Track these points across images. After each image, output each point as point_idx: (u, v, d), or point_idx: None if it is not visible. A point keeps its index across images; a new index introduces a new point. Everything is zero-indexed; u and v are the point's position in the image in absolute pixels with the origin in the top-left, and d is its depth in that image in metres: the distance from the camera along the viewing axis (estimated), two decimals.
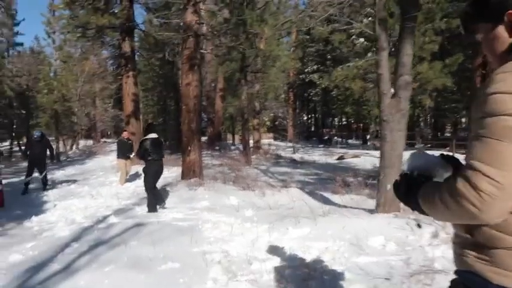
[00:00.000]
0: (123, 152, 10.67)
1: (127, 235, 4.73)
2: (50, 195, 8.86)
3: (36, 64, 27.23)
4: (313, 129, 47.77)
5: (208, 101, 27.31)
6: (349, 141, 36.79)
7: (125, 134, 11.48)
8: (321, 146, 34.54)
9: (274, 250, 3.84)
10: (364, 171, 12.49)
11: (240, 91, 15.77)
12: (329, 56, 32.59)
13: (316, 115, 47.54)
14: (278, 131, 43.29)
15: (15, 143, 28.62)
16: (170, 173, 12.71)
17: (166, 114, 34.17)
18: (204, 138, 27.12)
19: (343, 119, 44.23)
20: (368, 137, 41.27)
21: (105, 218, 5.91)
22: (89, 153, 25.74)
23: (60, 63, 25.02)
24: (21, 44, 33.72)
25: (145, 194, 6.82)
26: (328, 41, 33.96)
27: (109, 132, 49.46)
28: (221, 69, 15.48)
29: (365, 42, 19.25)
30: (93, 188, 9.87)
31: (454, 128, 28.44)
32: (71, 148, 28.18)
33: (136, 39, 16.96)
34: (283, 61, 15.77)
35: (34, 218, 6.14)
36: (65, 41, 22.79)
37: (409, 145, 22.04)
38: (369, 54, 18.64)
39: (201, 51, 10.35)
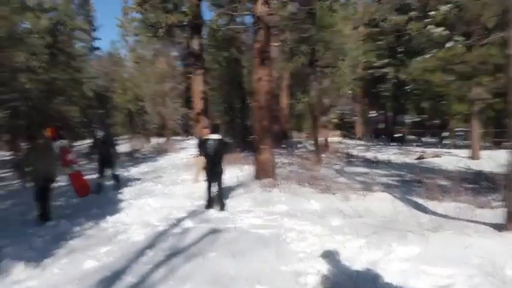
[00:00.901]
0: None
1: (203, 243, 4.31)
2: (124, 193, 8.86)
3: (112, 66, 28.79)
4: (381, 126, 45.32)
5: (273, 98, 26.85)
6: (423, 139, 34.28)
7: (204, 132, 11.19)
8: (393, 144, 32.53)
9: (380, 274, 3.14)
10: (452, 172, 11.11)
11: (310, 87, 15.00)
12: (400, 49, 30.52)
13: (386, 112, 45.05)
14: (346, 128, 41.75)
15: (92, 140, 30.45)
16: (241, 171, 12.41)
17: (232, 113, 34.39)
18: None
19: (416, 116, 41.37)
20: (446, 134, 38.24)
21: (179, 221, 5.57)
22: (160, 151, 26.52)
23: (133, 65, 26.09)
24: (99, 49, 35.98)
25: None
26: (400, 33, 31.98)
27: (179, 131, 51.19)
28: (288, 65, 14.80)
29: (444, 32, 17.49)
30: (166, 187, 9.78)
31: None
32: (144, 146, 29.37)
33: (204, 36, 16.88)
34: (354, 54, 14.71)
35: (109, 218, 5.99)
36: (138, 42, 23.62)
37: None
38: (448, 44, 16.89)
39: (273, 44, 9.79)
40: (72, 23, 19.65)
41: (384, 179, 10.12)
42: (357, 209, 5.47)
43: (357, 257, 3.57)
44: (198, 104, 14.89)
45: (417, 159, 17.55)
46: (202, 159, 10.28)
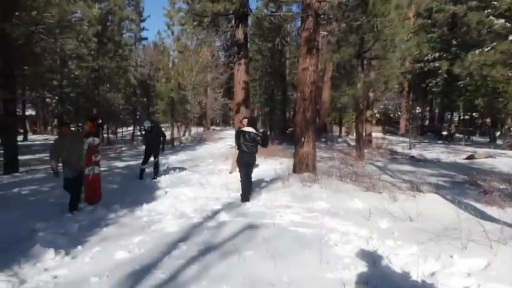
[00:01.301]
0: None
1: (239, 240, 4.03)
2: (161, 181, 8.82)
3: (157, 55, 29.23)
4: (427, 123, 43.25)
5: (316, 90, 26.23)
6: (473, 138, 32.33)
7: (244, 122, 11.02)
8: (440, 142, 30.90)
9: None
10: (508, 175, 10.19)
11: (357, 79, 14.32)
12: (455, 42, 28.72)
13: (433, 108, 42.94)
14: (389, 123, 40.22)
15: (138, 128, 31.27)
16: (280, 164, 12.09)
17: (273, 104, 34.03)
18: None
19: (466, 113, 39.16)
20: (498, 134, 35.78)
21: (214, 213, 5.34)
22: (200, 140, 26.78)
23: (177, 54, 26.31)
24: (146, 39, 36.78)
25: (254, 187, 6.94)
26: (454, 25, 30.08)
27: (218, 121, 51.61)
28: (335, 56, 14.18)
29: (507, 23, 16.11)
30: (203, 176, 9.66)
31: None
32: (184, 134, 29.75)
33: (249, 26, 16.59)
34: (407, 46, 13.83)
35: (145, 206, 5.88)
36: (183, 31, 23.76)
37: None
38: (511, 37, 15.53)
39: (321, 32, 9.31)
40: (121, 13, 20.01)
41: (433, 179, 9.39)
42: (407, 211, 4.98)
43: (412, 267, 3.14)
44: (239, 94, 14.64)
45: (467, 158, 16.43)
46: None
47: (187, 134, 30.55)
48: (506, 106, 21.83)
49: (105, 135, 27.46)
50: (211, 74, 35.81)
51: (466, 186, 8.44)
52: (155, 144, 9.64)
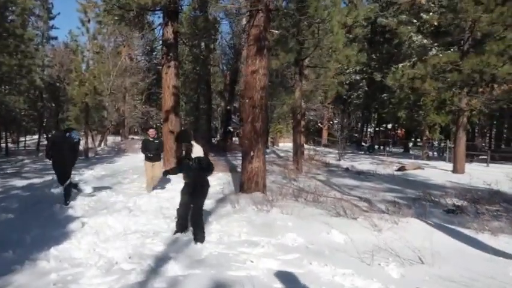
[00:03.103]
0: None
1: None
2: (76, 206, 6.92)
3: (69, 55, 26.03)
4: (346, 135, 45.12)
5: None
6: (387, 148, 34.13)
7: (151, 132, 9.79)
8: (361, 152, 32.01)
9: None
10: (453, 189, 10.06)
11: (295, 88, 13.58)
12: (374, 56, 30.01)
13: (351, 119, 44.96)
14: (312, 134, 40.82)
15: (44, 136, 27.46)
16: (218, 179, 10.71)
17: (198, 113, 32.43)
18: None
19: (380, 125, 41.51)
20: (411, 144, 38.38)
21: (159, 261, 3.82)
22: (118, 151, 24.19)
23: (92, 55, 23.57)
24: (56, 38, 32.79)
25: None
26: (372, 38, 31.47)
27: (136, 129, 48.20)
28: (274, 62, 13.29)
29: (424, 40, 16.79)
30: (129, 198, 7.90)
31: None
32: (100, 144, 26.78)
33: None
34: (346, 55, 13.47)
35: (53, 252, 4.14)
36: (100, 29, 21.27)
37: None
38: (431, 53, 16.17)
39: (272, 31, 8.23)
40: (24, 2, 17.03)
41: (387, 196, 8.81)
42: (406, 247, 4.00)
43: None
44: (168, 101, 13.03)
45: (398, 170, 16.65)
46: (159, 165, 8.84)
47: (103, 143, 27.55)
48: (426, 118, 23.07)
49: (2, 145, 23.50)
50: (130, 79, 33.11)
51: (423, 203, 7.88)
52: (69, 158, 7.45)
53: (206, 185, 4.96)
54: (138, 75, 35.51)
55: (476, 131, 31.14)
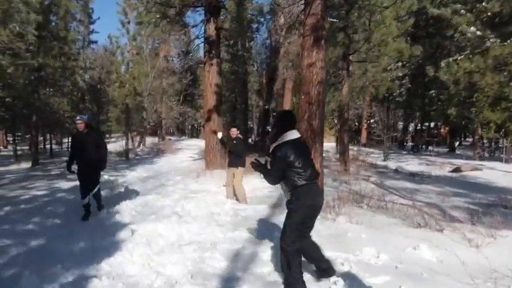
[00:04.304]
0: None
1: None
2: (122, 211, 6.51)
3: (108, 58, 26.35)
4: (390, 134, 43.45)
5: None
6: (430, 148, 32.41)
7: (233, 131, 8.04)
8: (404, 152, 30.53)
9: None
10: None
11: (343, 84, 12.78)
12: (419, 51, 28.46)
13: (389, 118, 43.25)
14: (351, 133, 39.45)
15: None
16: (263, 182, 10.14)
17: (235, 113, 32.10)
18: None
19: (423, 124, 39.71)
20: (457, 143, 36.27)
21: (227, 284, 3.28)
22: (157, 152, 24.20)
23: (131, 57, 23.67)
24: (96, 42, 33.52)
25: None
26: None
27: (172, 130, 48.68)
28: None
29: (477, 32, 15.43)
30: (177, 202, 7.45)
31: None
32: (139, 145, 26.95)
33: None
34: (399, 48, 12.46)
35: (104, 266, 3.69)
36: (139, 30, 21.28)
37: None
38: (487, 45, 14.83)
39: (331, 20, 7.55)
40: (67, 3, 17.17)
41: (456, 201, 7.90)
42: None
43: None
44: (211, 100, 12.60)
45: (453, 171, 15.44)
46: (240, 173, 7.91)
47: (141, 145, 27.72)
48: (478, 116, 21.45)
49: (47, 146, 24.07)
50: (167, 80, 33.34)
51: (502, 210, 6.94)
52: (94, 162, 6.41)
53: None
54: (175, 76, 35.77)
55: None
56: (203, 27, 12.62)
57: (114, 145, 25.73)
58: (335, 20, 8.95)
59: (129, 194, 8.37)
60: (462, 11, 14.62)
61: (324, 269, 3.36)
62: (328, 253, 4.10)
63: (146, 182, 11.16)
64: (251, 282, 3.27)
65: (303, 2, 7.13)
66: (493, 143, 25.53)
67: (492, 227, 4.67)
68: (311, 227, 3.32)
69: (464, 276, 3.20)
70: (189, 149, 24.71)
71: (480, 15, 14.36)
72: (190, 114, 39.15)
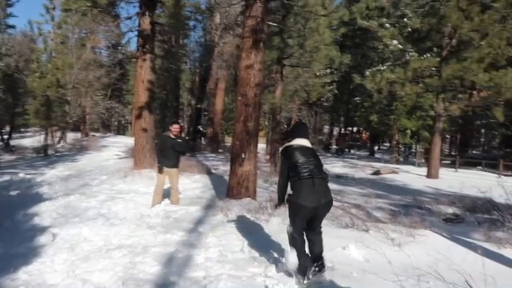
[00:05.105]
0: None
1: None
2: (42, 213, 6.01)
3: (28, 44, 24.19)
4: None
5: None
6: (356, 152, 34.55)
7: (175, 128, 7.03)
8: (329, 155, 32.04)
9: None
10: (440, 196, 9.89)
11: (276, 87, 13.09)
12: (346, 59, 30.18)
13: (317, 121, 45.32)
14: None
15: None
16: (194, 182, 10.00)
17: (167, 111, 31.32)
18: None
19: (346, 128, 42.17)
20: (376, 148, 38.97)
21: (161, 287, 3.15)
22: (80, 148, 22.67)
23: (55, 46, 21.95)
24: (14, 27, 30.46)
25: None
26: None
27: (96, 126, 46.02)
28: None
29: (399, 45, 16.86)
30: (103, 203, 7.05)
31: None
32: (59, 141, 25.04)
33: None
34: (331, 55, 13.06)
35: (22, 275, 3.35)
36: (65, 18, 19.81)
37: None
38: (407, 57, 16.27)
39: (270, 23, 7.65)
40: None
41: (379, 202, 8.47)
42: (436, 264, 3.53)
43: None
44: (142, 96, 12.10)
45: (374, 174, 16.56)
46: (175, 172, 7.11)
47: (62, 141, 25.79)
48: (396, 123, 23.29)
49: None
50: (93, 72, 31.40)
51: (417, 210, 7.57)
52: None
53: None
54: (102, 69, 33.79)
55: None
56: (137, 21, 12.10)
57: (31, 140, 23.66)
58: (274, 24, 9.09)
59: (49, 194, 7.74)
60: (387, 24, 15.77)
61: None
62: (261, 255, 4.16)
63: (68, 181, 10.40)
64: (186, 287, 3.18)
65: (240, 3, 7.15)
66: (407, 148, 27.74)
67: (411, 227, 5.07)
68: (315, 221, 3.66)
69: (390, 274, 3.42)
70: (116, 146, 23.46)
71: (402, 30, 15.58)
72: (117, 110, 37.22)
